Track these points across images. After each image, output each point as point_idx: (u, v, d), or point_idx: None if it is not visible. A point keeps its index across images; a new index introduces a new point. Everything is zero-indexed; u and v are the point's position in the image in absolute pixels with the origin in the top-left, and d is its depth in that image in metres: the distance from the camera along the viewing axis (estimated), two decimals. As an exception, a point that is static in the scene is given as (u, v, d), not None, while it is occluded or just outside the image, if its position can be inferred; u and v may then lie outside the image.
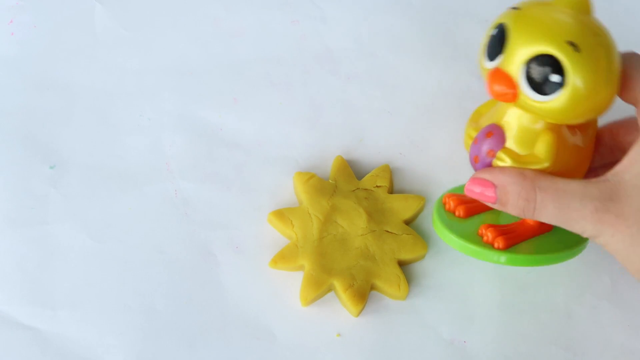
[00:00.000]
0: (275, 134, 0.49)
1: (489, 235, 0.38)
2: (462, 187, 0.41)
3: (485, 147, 0.37)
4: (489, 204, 0.37)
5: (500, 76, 0.34)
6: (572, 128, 0.37)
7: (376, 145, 0.48)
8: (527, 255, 0.38)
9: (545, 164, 0.36)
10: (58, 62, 0.50)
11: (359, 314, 0.44)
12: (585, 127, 0.38)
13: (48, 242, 0.45)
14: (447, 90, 0.49)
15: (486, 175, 0.36)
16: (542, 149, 0.36)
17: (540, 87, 0.34)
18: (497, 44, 0.35)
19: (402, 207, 0.46)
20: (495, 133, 0.37)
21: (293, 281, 0.45)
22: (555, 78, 0.33)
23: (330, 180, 0.47)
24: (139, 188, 0.47)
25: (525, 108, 0.35)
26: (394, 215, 0.45)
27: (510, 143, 0.37)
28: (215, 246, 0.45)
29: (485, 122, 0.38)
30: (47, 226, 0.45)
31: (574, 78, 0.33)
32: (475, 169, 0.38)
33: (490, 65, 0.35)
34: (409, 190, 0.47)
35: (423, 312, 0.44)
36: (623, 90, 0.37)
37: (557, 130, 0.36)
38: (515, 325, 0.44)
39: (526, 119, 0.36)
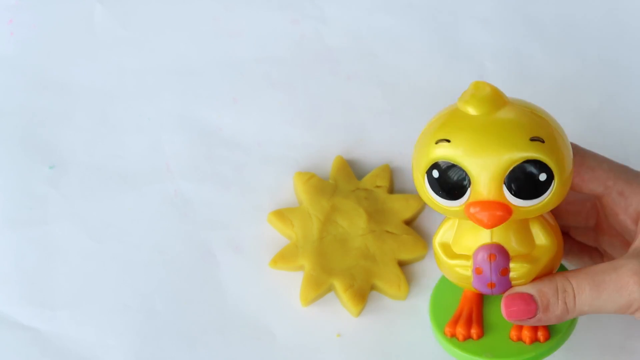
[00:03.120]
0: (275, 134, 0.49)
1: (527, 334, 0.37)
2: (433, 302, 0.40)
3: (496, 269, 0.35)
4: (527, 322, 0.35)
5: (487, 207, 0.33)
6: None
7: (376, 145, 0.48)
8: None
9: (554, 249, 0.36)
10: (58, 62, 0.50)
11: (359, 314, 0.44)
12: None
13: (48, 242, 0.45)
14: (447, 90, 0.49)
15: (520, 289, 0.35)
16: (543, 238, 0.36)
17: (532, 193, 0.33)
18: (454, 182, 0.33)
19: (402, 207, 0.46)
20: (497, 253, 0.35)
21: (293, 281, 0.44)
22: (543, 177, 0.33)
23: (330, 180, 0.47)
24: (138, 188, 0.47)
25: (519, 217, 0.34)
26: (394, 215, 0.45)
27: (512, 252, 0.35)
28: (215, 246, 0.45)
29: (463, 248, 0.36)
30: (47, 226, 0.45)
31: (556, 167, 0.33)
32: (494, 294, 0.36)
33: (459, 203, 0.33)
34: (409, 190, 0.47)
35: (423, 312, 0.44)
36: (584, 180, 0.37)
37: (540, 216, 0.36)
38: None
39: (515, 223, 0.35)
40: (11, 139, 0.48)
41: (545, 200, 0.33)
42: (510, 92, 0.36)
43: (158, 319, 0.44)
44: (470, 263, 0.35)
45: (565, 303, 0.35)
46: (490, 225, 0.33)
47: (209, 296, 0.44)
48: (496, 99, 0.33)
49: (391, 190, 0.47)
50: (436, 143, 0.33)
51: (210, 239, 0.46)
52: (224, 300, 0.44)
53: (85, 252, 0.45)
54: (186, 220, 0.46)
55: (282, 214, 0.45)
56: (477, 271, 0.35)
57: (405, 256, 0.45)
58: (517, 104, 0.34)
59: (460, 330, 0.38)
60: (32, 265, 0.44)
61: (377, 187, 0.46)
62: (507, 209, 0.33)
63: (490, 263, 0.35)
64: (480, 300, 0.39)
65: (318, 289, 0.43)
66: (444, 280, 0.40)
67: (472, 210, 0.33)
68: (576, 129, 0.45)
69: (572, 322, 0.38)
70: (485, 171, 0.32)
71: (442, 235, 0.37)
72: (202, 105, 0.49)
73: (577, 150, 0.37)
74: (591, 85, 0.51)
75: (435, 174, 0.33)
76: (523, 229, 0.35)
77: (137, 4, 0.52)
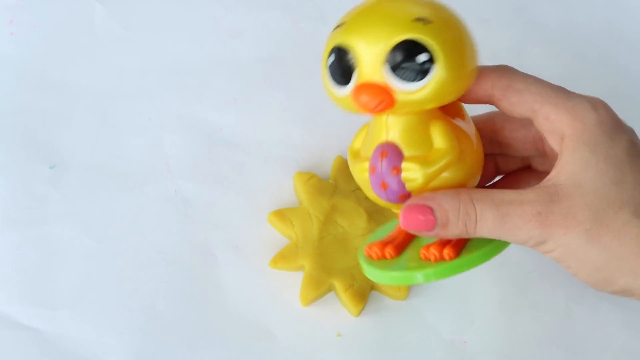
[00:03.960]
0: (275, 134, 0.49)
1: (434, 252, 0.35)
2: (373, 235, 0.39)
3: (386, 167, 0.34)
4: (425, 234, 0.34)
5: (369, 88, 0.32)
6: (450, 115, 0.35)
7: (376, 145, 0.48)
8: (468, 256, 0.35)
9: (452, 153, 0.34)
10: (58, 62, 0.50)
11: (359, 314, 0.44)
12: (458, 113, 0.36)
13: (48, 242, 0.45)
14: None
15: (420, 200, 0.34)
16: (441, 140, 0.34)
17: (412, 74, 0.32)
18: (343, 65, 0.33)
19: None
20: (389, 150, 0.34)
21: (293, 281, 0.45)
22: (423, 57, 0.31)
23: (330, 180, 0.47)
24: (139, 188, 0.47)
25: (405, 108, 0.33)
26: (394, 215, 0.45)
27: (407, 153, 0.34)
28: (215, 246, 0.45)
29: (367, 151, 0.35)
30: (47, 226, 0.45)
31: (438, 48, 0.31)
32: (389, 199, 0.34)
33: (348, 89, 0.33)
34: (409, 190, 0.47)
35: (423, 312, 0.44)
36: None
37: (442, 118, 0.34)
38: (515, 325, 0.44)
39: (409, 122, 0.34)
40: (11, 139, 0.48)
41: (429, 86, 0.32)
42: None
43: (158, 319, 0.44)
44: (367, 164, 0.35)
45: (466, 226, 0.34)
46: (373, 109, 0.32)
47: (209, 296, 0.44)
48: None
49: (391, 190, 0.47)
50: (334, 29, 0.33)
51: (210, 239, 0.46)
52: (224, 300, 0.44)
53: (85, 252, 0.45)
54: (186, 220, 0.46)
55: (282, 214, 0.45)
56: (371, 170, 0.34)
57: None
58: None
59: (375, 250, 0.36)
60: (32, 265, 0.44)
61: (377, 187, 0.46)
62: (388, 93, 0.32)
63: (382, 160, 0.34)
64: (412, 235, 0.37)
65: (318, 289, 0.43)
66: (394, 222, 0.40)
67: (355, 94, 0.32)
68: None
69: (485, 255, 0.36)
70: (368, 51, 0.32)
71: (354, 142, 0.37)
72: (202, 105, 0.49)
73: (506, 72, 0.36)
74: (591, 85, 0.51)
75: (330, 59, 0.33)
76: (421, 130, 0.34)
77: (137, 4, 0.52)
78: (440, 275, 0.35)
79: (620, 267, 0.33)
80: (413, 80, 0.32)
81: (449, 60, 0.32)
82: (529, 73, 0.36)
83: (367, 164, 0.35)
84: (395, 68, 0.32)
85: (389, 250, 0.36)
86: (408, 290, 0.44)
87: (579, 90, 0.36)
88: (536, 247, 0.34)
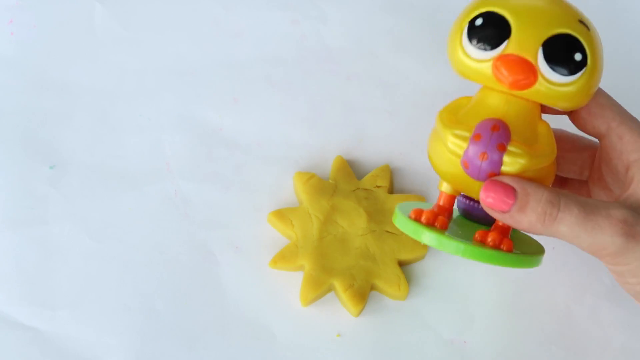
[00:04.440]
0: (275, 134, 0.49)
1: (493, 238, 0.35)
2: (414, 204, 0.39)
3: (494, 141, 0.33)
4: (498, 214, 0.34)
5: (516, 61, 0.32)
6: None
7: (376, 145, 0.48)
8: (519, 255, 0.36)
9: (552, 156, 0.35)
10: (58, 62, 0.50)
11: (359, 314, 0.44)
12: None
13: (48, 242, 0.45)
14: (447, 90, 0.49)
15: (506, 179, 0.34)
16: (546, 141, 0.35)
17: (565, 66, 0.33)
18: (496, 31, 0.33)
19: (402, 207, 0.46)
20: (501, 126, 0.33)
21: (293, 281, 0.45)
22: (578, 56, 0.33)
23: (330, 180, 0.47)
24: (139, 188, 0.47)
25: (536, 95, 0.33)
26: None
27: (514, 137, 0.34)
28: (215, 246, 0.45)
29: (473, 118, 0.34)
30: (47, 226, 0.45)
31: (592, 56, 0.33)
32: (478, 171, 0.34)
33: (492, 54, 0.33)
34: (409, 190, 0.47)
35: (423, 312, 0.44)
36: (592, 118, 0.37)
37: (547, 124, 0.35)
38: (515, 325, 0.44)
39: (525, 111, 0.34)
40: (11, 139, 0.48)
41: (571, 84, 0.33)
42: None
43: (158, 319, 0.44)
44: (468, 133, 0.34)
45: (545, 214, 0.33)
46: (512, 83, 0.32)
47: (209, 296, 0.44)
48: None
49: (391, 190, 0.47)
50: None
51: (210, 239, 0.46)
52: (224, 300, 0.44)
53: (85, 252, 0.45)
54: (186, 220, 0.46)
55: (282, 214, 0.45)
56: (476, 137, 0.33)
57: (405, 256, 0.45)
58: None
59: (426, 215, 0.36)
60: (32, 265, 0.44)
61: (377, 187, 0.46)
62: (534, 72, 0.32)
63: (492, 132, 0.33)
64: (451, 211, 0.37)
65: (318, 289, 0.43)
66: (410, 203, 0.39)
67: (499, 62, 0.33)
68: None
69: (539, 255, 0.36)
70: (530, 29, 0.32)
71: (448, 108, 0.36)
72: (202, 105, 0.49)
73: None
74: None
75: (479, 21, 0.33)
76: (532, 123, 0.34)
77: (137, 4, 0.52)
78: (494, 261, 0.35)
79: None
80: (562, 73, 0.33)
81: (595, 70, 0.33)
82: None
83: (465, 132, 0.34)
84: (550, 55, 0.32)
85: (440, 220, 0.36)
86: (408, 290, 0.44)
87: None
88: (609, 257, 0.34)
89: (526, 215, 0.34)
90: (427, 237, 0.35)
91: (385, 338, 0.44)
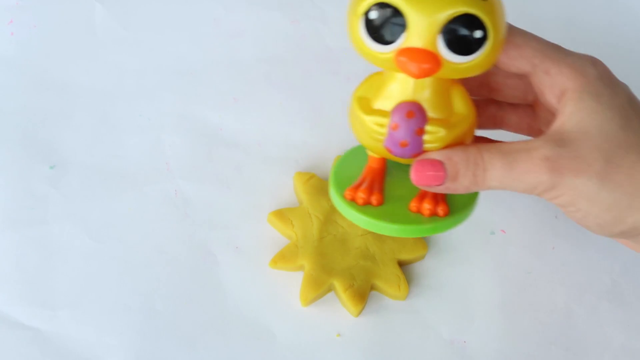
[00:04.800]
0: (275, 134, 0.49)
1: (428, 207, 0.36)
2: (336, 168, 0.39)
3: (412, 127, 0.34)
4: (436, 188, 0.35)
5: (419, 54, 0.32)
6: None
7: (376, 145, 0.48)
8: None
9: (471, 118, 0.35)
10: (58, 62, 0.50)
11: (359, 314, 0.44)
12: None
13: (48, 242, 0.45)
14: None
15: (430, 155, 0.35)
16: (461, 106, 0.35)
17: (466, 48, 0.32)
18: (390, 24, 0.32)
19: (402, 207, 0.46)
20: (416, 111, 0.34)
21: (293, 281, 0.45)
22: (478, 34, 0.32)
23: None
24: (139, 188, 0.47)
25: (445, 76, 0.33)
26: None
27: (430, 114, 0.34)
28: (215, 246, 0.45)
29: (388, 100, 0.35)
30: (47, 226, 0.45)
31: (492, 28, 0.32)
32: (402, 154, 0.35)
33: (390, 48, 0.33)
34: (409, 190, 0.47)
35: (423, 312, 0.44)
36: (511, 57, 0.36)
37: (459, 82, 0.35)
38: (515, 325, 0.44)
39: (435, 85, 0.34)
40: (11, 139, 0.48)
41: (476, 60, 0.33)
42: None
43: (158, 319, 0.44)
44: (386, 120, 0.35)
45: (475, 175, 0.35)
46: (418, 75, 0.32)
47: (209, 296, 0.44)
48: None
49: (391, 190, 0.47)
50: None
51: (210, 239, 0.46)
52: (224, 300, 0.44)
53: (85, 252, 0.45)
54: (186, 220, 0.46)
55: (282, 214, 0.45)
56: (394, 127, 0.34)
57: (405, 256, 0.45)
58: None
59: (360, 195, 0.37)
60: (32, 265, 0.44)
61: (377, 187, 0.46)
62: (437, 61, 0.32)
63: (408, 120, 0.34)
64: (383, 172, 0.38)
65: (318, 289, 0.43)
66: (348, 155, 0.40)
67: (401, 57, 0.32)
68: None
69: (472, 204, 0.38)
70: (424, 18, 0.32)
71: (362, 90, 0.36)
72: (202, 105, 0.49)
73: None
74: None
75: (373, 14, 0.32)
76: (444, 93, 0.35)
77: (137, 4, 0.52)
78: (437, 231, 0.36)
79: (630, 205, 0.34)
80: (465, 53, 0.32)
81: (498, 36, 0.33)
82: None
83: (383, 119, 0.35)
84: (450, 39, 0.32)
85: (375, 197, 0.37)
86: (408, 290, 0.44)
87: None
88: (544, 194, 0.34)
89: (459, 182, 0.35)
90: (364, 223, 0.37)
91: (385, 338, 0.44)
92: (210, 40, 0.51)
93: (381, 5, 0.32)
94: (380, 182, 0.38)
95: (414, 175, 0.35)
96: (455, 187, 0.35)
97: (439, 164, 0.35)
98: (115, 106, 0.49)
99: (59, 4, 0.51)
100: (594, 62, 0.36)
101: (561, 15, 0.54)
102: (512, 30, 0.36)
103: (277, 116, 0.49)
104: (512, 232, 0.46)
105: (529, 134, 0.41)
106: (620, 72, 0.52)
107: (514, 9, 0.54)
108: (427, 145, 0.35)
